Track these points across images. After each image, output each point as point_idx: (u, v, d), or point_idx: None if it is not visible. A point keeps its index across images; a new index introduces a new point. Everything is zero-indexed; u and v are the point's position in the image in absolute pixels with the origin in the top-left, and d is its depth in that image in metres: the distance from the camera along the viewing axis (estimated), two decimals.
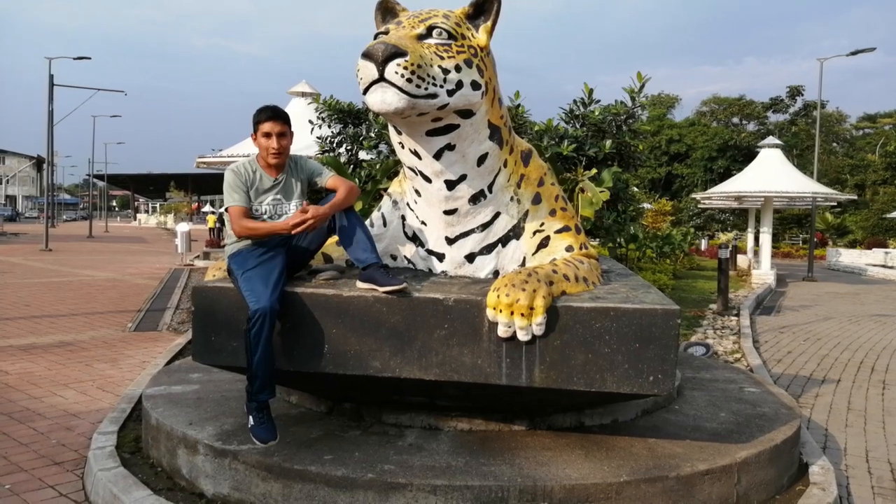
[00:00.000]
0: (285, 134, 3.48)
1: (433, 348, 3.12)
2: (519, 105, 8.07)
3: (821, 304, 13.24)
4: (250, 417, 3.35)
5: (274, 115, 3.47)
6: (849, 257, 26.61)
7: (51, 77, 27.25)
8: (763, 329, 9.74)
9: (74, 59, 29.36)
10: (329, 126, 8.45)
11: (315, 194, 3.78)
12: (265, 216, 3.51)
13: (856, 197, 26.90)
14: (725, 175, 37.30)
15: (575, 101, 8.25)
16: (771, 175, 17.88)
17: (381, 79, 2.92)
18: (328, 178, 3.62)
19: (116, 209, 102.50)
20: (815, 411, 5.48)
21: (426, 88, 2.98)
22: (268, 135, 3.45)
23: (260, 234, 3.42)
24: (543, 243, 3.63)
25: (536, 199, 3.69)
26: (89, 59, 29.38)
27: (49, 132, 27.44)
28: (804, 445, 4.15)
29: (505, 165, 3.58)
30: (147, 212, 74.74)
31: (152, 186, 73.61)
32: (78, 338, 7.49)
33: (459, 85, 3.10)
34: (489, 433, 3.57)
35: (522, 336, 2.98)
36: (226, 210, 3.57)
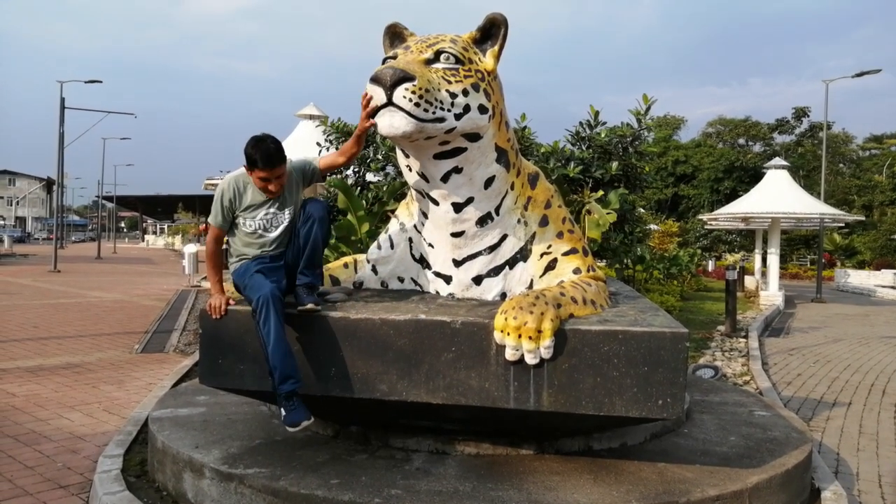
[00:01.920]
0: (282, 175, 3.42)
1: (440, 371, 3.11)
2: (525, 127, 8.12)
3: (830, 326, 13.14)
4: (282, 410, 3.26)
5: (268, 165, 3.34)
6: (857, 278, 26.47)
7: (62, 100, 27.62)
8: (772, 351, 9.66)
9: (86, 82, 29.75)
10: (336, 148, 8.51)
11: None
12: (259, 230, 3.52)
13: (863, 218, 26.83)
14: (732, 196, 37.27)
15: (581, 123, 8.30)
16: (778, 196, 17.85)
17: (390, 103, 2.95)
18: (318, 163, 3.67)
19: (125, 230, 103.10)
20: (826, 435, 5.41)
21: (434, 112, 3.00)
22: (265, 179, 3.39)
23: (208, 271, 3.59)
24: (551, 265, 3.63)
25: (543, 222, 3.69)
26: (100, 82, 29.78)
27: (60, 154, 27.73)
28: (816, 470, 4.09)
29: (512, 188, 3.59)
30: (155, 233, 75.14)
31: (160, 208, 74.03)
32: (85, 359, 7.49)
33: (467, 109, 3.13)
34: (497, 457, 3.54)
35: (530, 359, 2.97)
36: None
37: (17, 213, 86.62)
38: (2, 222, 74.26)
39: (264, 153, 3.33)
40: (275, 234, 3.54)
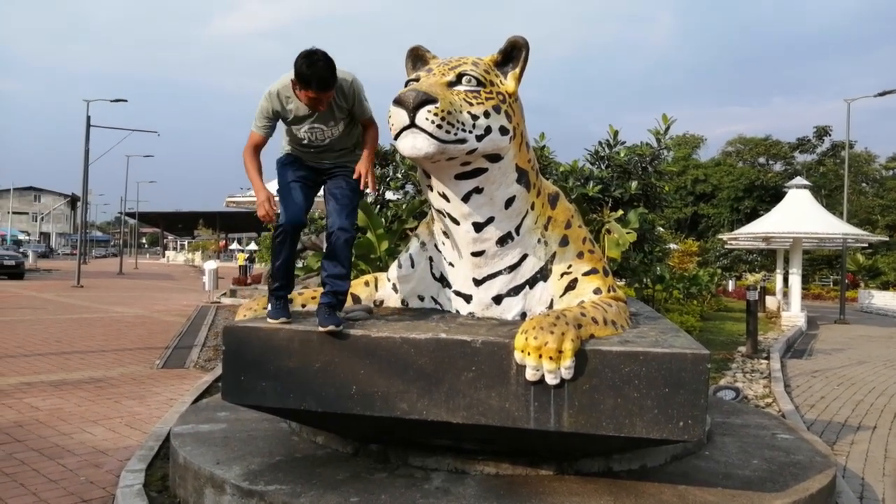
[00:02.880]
0: (330, 96, 3.36)
1: (460, 390, 3.11)
2: (544, 146, 8.16)
3: (854, 348, 12.95)
4: (269, 305, 3.60)
5: (322, 88, 3.26)
6: (882, 299, 26.05)
7: (88, 118, 28.15)
8: (794, 373, 9.53)
9: (111, 101, 30.31)
10: None
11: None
12: (304, 141, 3.59)
13: (887, 238, 26.51)
14: (752, 215, 36.99)
15: (600, 143, 8.33)
16: (800, 216, 17.68)
17: (412, 125, 2.99)
18: (365, 117, 3.67)
19: (146, 246, 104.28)
20: (850, 459, 5.33)
21: (455, 134, 3.04)
22: (315, 100, 3.33)
23: (249, 176, 3.60)
24: (571, 285, 3.64)
25: (564, 242, 3.71)
26: (125, 101, 30.34)
27: (84, 171, 28.23)
28: (840, 495, 4.03)
29: (532, 208, 3.62)
30: (175, 249, 75.97)
31: (181, 224, 74.96)
32: (107, 374, 7.58)
33: (488, 130, 3.17)
34: (516, 477, 3.53)
35: (551, 380, 2.97)
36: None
37: (42, 228, 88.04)
38: (27, 238, 75.51)
39: (319, 78, 3.22)
40: (323, 144, 3.62)
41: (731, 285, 31.45)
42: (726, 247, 32.78)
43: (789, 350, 12.26)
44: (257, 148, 3.57)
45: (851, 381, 9.02)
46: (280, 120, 3.57)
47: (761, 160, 53.59)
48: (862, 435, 6.12)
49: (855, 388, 8.49)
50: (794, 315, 17.15)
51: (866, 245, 30.73)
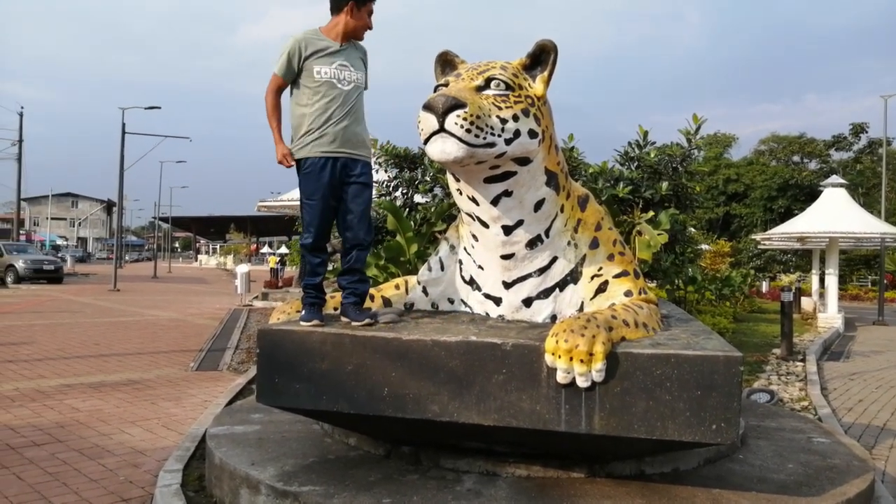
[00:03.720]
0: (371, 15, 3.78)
1: (491, 393, 3.13)
2: (573, 147, 8.13)
3: (893, 350, 12.63)
4: (303, 309, 3.72)
5: None
6: None
7: (123, 125, 28.76)
8: (831, 375, 9.35)
9: (146, 108, 30.96)
10: (385, 171, 8.67)
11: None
12: (332, 79, 3.67)
13: None
14: (786, 215, 36.33)
15: (630, 143, 8.27)
16: (836, 215, 17.31)
17: (442, 129, 3.02)
18: None
19: (179, 250, 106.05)
20: (889, 464, 5.21)
21: (484, 138, 3.06)
22: (371, 13, 3.75)
23: (270, 122, 3.77)
24: (602, 288, 3.63)
25: (594, 244, 3.70)
26: (159, 108, 31.02)
27: (120, 176, 28.85)
28: (879, 500, 3.95)
29: (562, 210, 3.62)
30: (208, 253, 77.09)
31: (213, 228, 76.08)
32: (144, 376, 7.75)
33: (517, 134, 3.18)
34: (547, 480, 3.53)
35: (582, 382, 2.97)
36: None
37: (80, 233, 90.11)
38: (65, 242, 77.34)
39: None
40: (347, 87, 3.70)
41: (764, 286, 30.90)
42: (759, 247, 32.23)
43: (826, 352, 12.02)
44: (279, 90, 3.77)
45: (891, 383, 8.81)
46: (305, 62, 3.67)
47: (795, 158, 52.63)
48: None
49: (894, 390, 8.30)
50: (830, 316, 16.80)
51: None
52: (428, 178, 8.37)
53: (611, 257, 3.71)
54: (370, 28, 3.80)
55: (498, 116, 3.13)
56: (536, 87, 3.38)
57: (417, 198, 8.61)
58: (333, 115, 3.66)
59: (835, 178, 19.68)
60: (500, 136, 3.12)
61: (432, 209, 7.79)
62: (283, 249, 38.88)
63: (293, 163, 3.73)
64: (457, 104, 3.00)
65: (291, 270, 25.90)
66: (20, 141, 32.82)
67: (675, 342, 3.19)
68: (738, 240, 39.29)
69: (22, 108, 34.74)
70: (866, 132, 47.53)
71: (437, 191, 8.37)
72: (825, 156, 51.25)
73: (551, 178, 3.51)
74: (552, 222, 3.59)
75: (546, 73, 3.40)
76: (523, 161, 3.32)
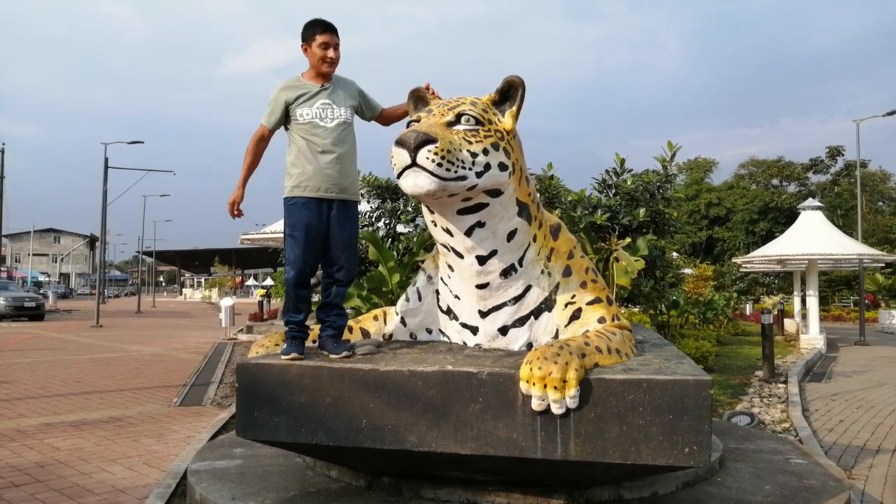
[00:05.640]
0: (338, 46, 3.78)
1: (468, 422, 3.17)
2: (552, 176, 8.26)
3: (874, 370, 12.78)
4: (285, 342, 3.73)
5: (329, 28, 3.76)
6: None
7: (105, 160, 28.74)
8: (813, 396, 9.44)
9: (129, 143, 30.99)
10: (368, 201, 8.75)
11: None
12: (315, 119, 3.72)
13: None
14: (768, 237, 36.78)
15: (607, 171, 8.41)
16: (814, 237, 17.59)
17: (414, 164, 3.10)
18: (380, 107, 4.07)
19: (163, 284, 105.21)
20: (869, 483, 5.27)
21: (456, 171, 3.15)
22: (325, 45, 3.74)
23: (243, 165, 3.83)
24: (575, 315, 3.70)
25: (567, 272, 3.78)
26: (142, 142, 31.04)
27: (103, 212, 28.71)
28: None
29: (534, 240, 3.70)
30: (192, 286, 76.55)
31: (198, 261, 75.66)
32: (126, 413, 7.68)
33: (487, 167, 3.27)
34: None
35: (556, 409, 3.02)
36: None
37: (62, 269, 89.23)
38: (47, 279, 76.51)
39: (325, 21, 3.77)
40: (330, 124, 3.74)
41: (748, 309, 31.15)
42: (742, 270, 32.56)
43: (808, 373, 12.13)
44: (262, 138, 3.82)
45: (871, 403, 8.91)
46: (290, 108, 3.75)
47: (774, 182, 53.43)
48: (881, 458, 6.05)
49: (875, 410, 8.39)
50: (812, 337, 16.97)
51: (885, 265, 30.38)
52: (410, 209, 8.46)
53: (584, 285, 3.78)
54: (331, 60, 3.77)
55: (468, 150, 3.22)
56: (506, 121, 3.48)
57: (400, 228, 8.69)
58: (318, 155, 3.71)
59: (811, 202, 20.00)
60: (470, 169, 3.21)
61: (415, 239, 7.87)
62: (269, 281, 38.74)
63: (238, 213, 3.86)
64: (428, 139, 3.09)
65: (276, 303, 25.80)
66: (1, 178, 32.60)
67: (647, 367, 3.26)
68: (721, 263, 39.69)
69: (3, 143, 34.61)
70: (843, 155, 48.42)
71: (420, 221, 8.45)
72: (803, 178, 52.07)
73: (523, 209, 3.60)
74: (525, 252, 3.66)
75: (514, 108, 3.50)
76: (495, 193, 3.41)
